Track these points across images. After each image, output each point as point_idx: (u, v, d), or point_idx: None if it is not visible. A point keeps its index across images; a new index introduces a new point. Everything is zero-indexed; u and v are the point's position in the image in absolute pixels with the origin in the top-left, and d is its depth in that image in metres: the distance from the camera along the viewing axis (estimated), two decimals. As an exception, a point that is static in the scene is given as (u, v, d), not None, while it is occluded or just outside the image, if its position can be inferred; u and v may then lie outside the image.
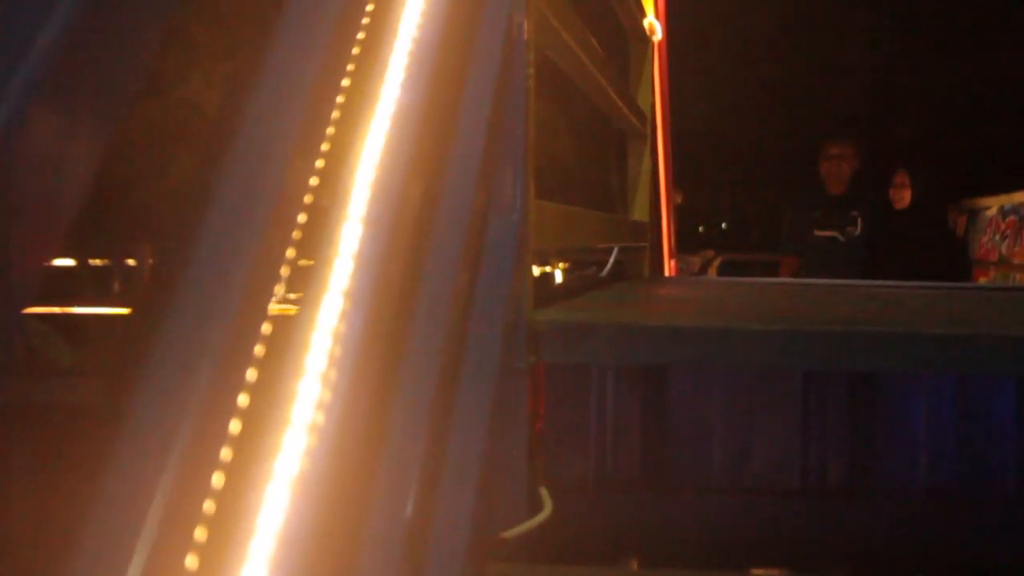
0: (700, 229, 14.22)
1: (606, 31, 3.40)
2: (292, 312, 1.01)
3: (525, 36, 1.63)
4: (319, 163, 1.00)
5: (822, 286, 2.91)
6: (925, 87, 11.64)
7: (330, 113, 1.03)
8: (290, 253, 0.93)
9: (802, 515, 1.68)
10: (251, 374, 0.86)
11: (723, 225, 14.20)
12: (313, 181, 0.99)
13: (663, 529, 1.70)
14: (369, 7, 1.12)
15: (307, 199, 0.98)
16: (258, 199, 0.88)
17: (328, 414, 0.97)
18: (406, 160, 1.15)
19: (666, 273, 3.83)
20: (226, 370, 0.84)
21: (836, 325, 1.64)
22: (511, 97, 1.60)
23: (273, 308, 0.94)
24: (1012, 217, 7.10)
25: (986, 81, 10.94)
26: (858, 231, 4.88)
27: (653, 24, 3.37)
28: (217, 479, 0.81)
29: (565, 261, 6.84)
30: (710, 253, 7.05)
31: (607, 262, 3.28)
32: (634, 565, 1.75)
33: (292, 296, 1.01)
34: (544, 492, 1.65)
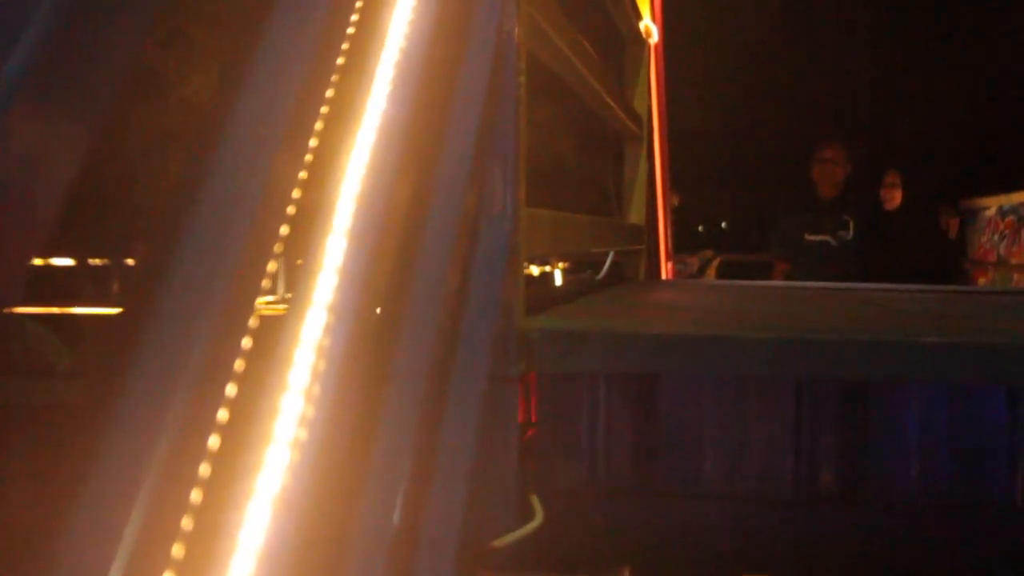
0: (700, 228, 14.20)
1: (602, 34, 3.40)
2: (279, 312, 1.01)
3: (516, 43, 1.62)
4: (302, 175, 0.99)
5: (817, 289, 2.90)
6: (924, 87, 11.63)
7: (313, 124, 1.02)
8: (272, 267, 0.93)
9: (794, 523, 1.68)
10: (231, 389, 0.85)
11: (723, 224, 14.19)
12: (296, 194, 0.98)
13: (655, 537, 1.69)
14: (354, 17, 1.12)
15: (290, 210, 0.98)
16: (237, 214, 0.88)
17: (312, 426, 0.97)
18: (391, 172, 1.14)
19: (663, 275, 3.83)
20: (210, 372, 0.84)
21: (829, 333, 1.64)
22: (501, 104, 1.60)
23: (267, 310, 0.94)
24: (1011, 217, 7.10)
25: (986, 81, 10.93)
26: (850, 235, 4.84)
27: (649, 27, 3.37)
28: (196, 495, 0.81)
29: (565, 261, 6.83)
30: (709, 253, 7.03)
31: (605, 262, 3.29)
32: (626, 574, 1.75)
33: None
34: (535, 500, 1.64)
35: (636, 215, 3.25)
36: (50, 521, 0.73)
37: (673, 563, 1.68)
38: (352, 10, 1.13)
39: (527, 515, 1.62)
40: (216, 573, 0.85)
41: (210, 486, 0.82)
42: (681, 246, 7.60)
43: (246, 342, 0.88)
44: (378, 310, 1.29)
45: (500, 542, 1.58)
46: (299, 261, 1.03)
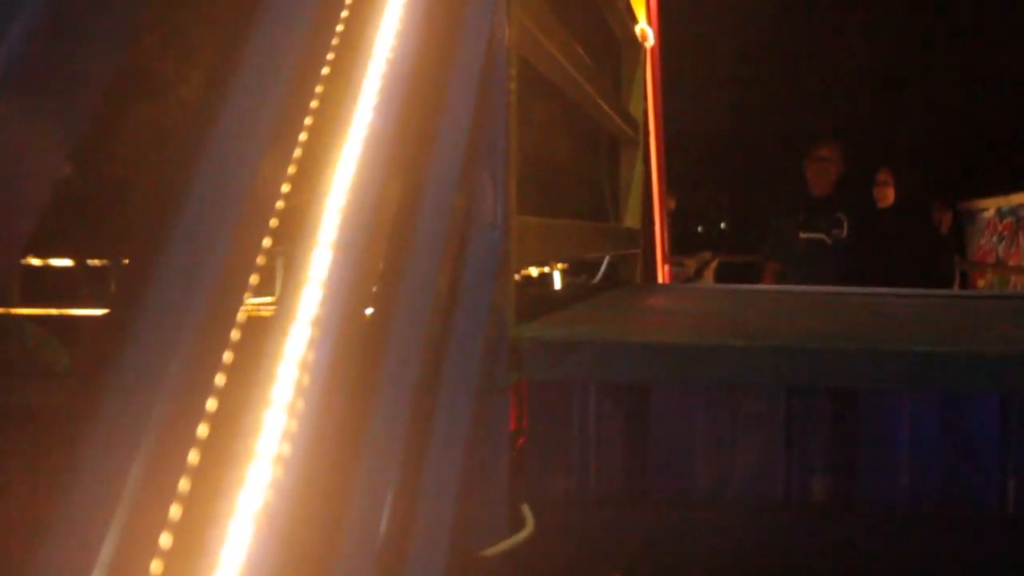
0: (699, 229, 14.22)
1: (598, 37, 3.39)
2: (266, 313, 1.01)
3: (507, 51, 1.62)
4: (285, 188, 0.99)
5: (812, 295, 2.90)
6: (924, 88, 11.63)
7: (297, 136, 1.02)
8: (254, 280, 0.93)
9: (785, 530, 1.68)
10: (213, 404, 0.85)
11: (722, 225, 14.20)
12: (279, 205, 0.98)
13: (646, 545, 1.69)
14: (339, 27, 1.11)
15: (274, 223, 0.97)
16: (220, 230, 0.88)
17: (297, 437, 0.97)
18: (378, 182, 1.14)
19: (659, 279, 3.83)
20: (192, 381, 0.83)
21: (819, 341, 1.64)
22: (492, 113, 1.60)
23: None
24: (1009, 219, 7.11)
25: (985, 82, 10.93)
26: (844, 233, 4.81)
27: (645, 30, 3.37)
28: (175, 511, 0.80)
29: (562, 264, 6.83)
30: (707, 255, 7.02)
31: (601, 265, 3.29)
32: (617, 582, 1.75)
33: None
34: (526, 509, 1.64)
35: (632, 219, 3.25)
36: (27, 533, 0.72)
37: (664, 571, 1.68)
38: (338, 20, 1.13)
39: (518, 524, 1.62)
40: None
41: (190, 502, 0.82)
42: (680, 247, 7.60)
43: (227, 356, 0.88)
44: (368, 314, 1.29)
45: (491, 551, 1.58)
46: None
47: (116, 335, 0.80)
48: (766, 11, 12.49)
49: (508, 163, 1.62)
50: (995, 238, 7.27)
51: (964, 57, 11.23)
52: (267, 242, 0.95)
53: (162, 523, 0.79)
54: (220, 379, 0.86)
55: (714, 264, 6.78)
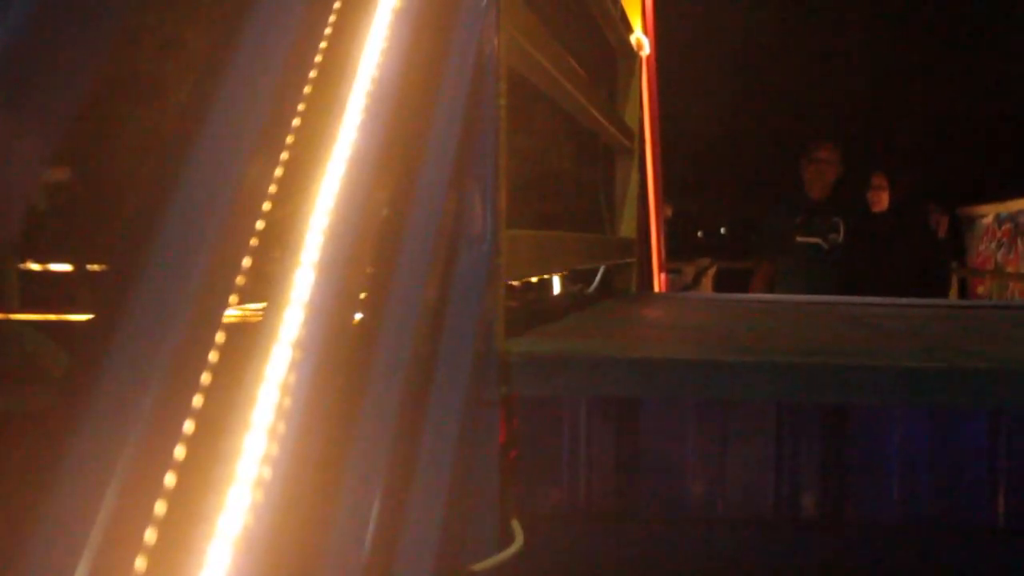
0: (699, 234, 14.21)
1: (593, 47, 3.39)
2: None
3: (496, 65, 1.62)
4: (266, 206, 0.99)
5: (805, 305, 2.90)
6: (924, 92, 11.62)
7: (279, 154, 1.01)
8: (233, 299, 0.93)
9: (775, 546, 1.67)
10: (193, 425, 0.85)
11: (722, 230, 14.18)
12: (259, 225, 0.97)
13: (637, 560, 1.68)
14: (322, 44, 1.11)
15: (254, 242, 0.97)
16: (199, 254, 0.87)
17: (282, 450, 0.96)
18: (361, 202, 1.14)
19: (655, 288, 3.83)
20: (179, 382, 0.83)
21: (811, 356, 1.63)
22: (481, 128, 1.59)
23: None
24: (1008, 225, 7.10)
25: (984, 87, 10.93)
26: (840, 238, 4.75)
27: (641, 39, 3.37)
28: (150, 534, 0.80)
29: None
30: (706, 261, 7.02)
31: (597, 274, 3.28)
32: (607, 597, 1.75)
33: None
34: (516, 524, 1.64)
35: (627, 228, 3.24)
36: (13, 532, 0.72)
37: (654, 586, 1.68)
38: (321, 37, 1.12)
39: (507, 539, 1.61)
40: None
41: (166, 526, 0.81)
42: (680, 253, 7.59)
43: (213, 356, 0.87)
44: (353, 331, 1.29)
45: (480, 566, 1.58)
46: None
47: (101, 338, 0.80)
48: (765, 14, 12.49)
49: (497, 177, 1.62)
50: (994, 244, 7.26)
51: (963, 60, 11.23)
52: (247, 262, 0.94)
53: (147, 519, 0.78)
54: (206, 378, 0.86)
55: (712, 270, 6.77)
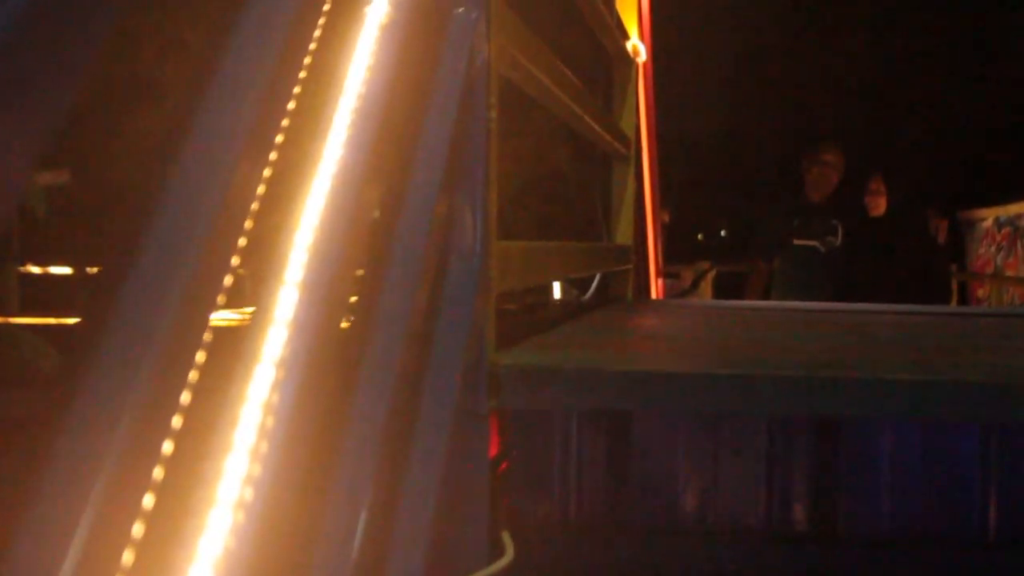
0: (699, 236, 14.21)
1: (588, 54, 3.39)
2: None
3: (486, 77, 1.61)
4: (248, 224, 0.99)
5: (799, 313, 2.89)
6: (924, 94, 11.62)
7: (262, 171, 1.01)
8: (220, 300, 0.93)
9: (767, 558, 1.67)
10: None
11: (722, 233, 14.18)
12: (242, 241, 0.97)
13: (627, 573, 1.68)
14: (307, 60, 1.11)
15: (234, 262, 0.97)
16: (191, 241, 0.88)
17: (266, 466, 0.96)
18: (347, 219, 1.14)
19: (652, 294, 3.83)
20: (168, 376, 0.83)
21: (802, 368, 1.63)
22: (471, 140, 1.59)
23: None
24: (1007, 229, 7.10)
25: (984, 89, 10.93)
26: (838, 241, 4.67)
27: (637, 46, 3.37)
28: (128, 556, 0.79)
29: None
30: (705, 265, 7.00)
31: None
32: (598, 610, 1.74)
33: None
34: (506, 537, 1.63)
35: (624, 235, 3.24)
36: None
37: (646, 599, 1.67)
38: (306, 52, 1.12)
39: (498, 551, 1.61)
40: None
41: (145, 547, 0.81)
42: (679, 255, 7.58)
43: (200, 356, 0.88)
44: (339, 348, 1.28)
45: (470, 579, 1.57)
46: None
47: (89, 339, 0.81)
48: (765, 16, 12.50)
49: (488, 189, 1.61)
50: (993, 248, 7.26)
51: (963, 63, 11.23)
52: (228, 280, 0.94)
53: (135, 514, 0.78)
54: (194, 376, 0.86)
55: (712, 274, 6.75)
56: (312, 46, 1.13)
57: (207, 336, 0.89)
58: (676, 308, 3.10)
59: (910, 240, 5.13)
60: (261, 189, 1.01)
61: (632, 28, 3.35)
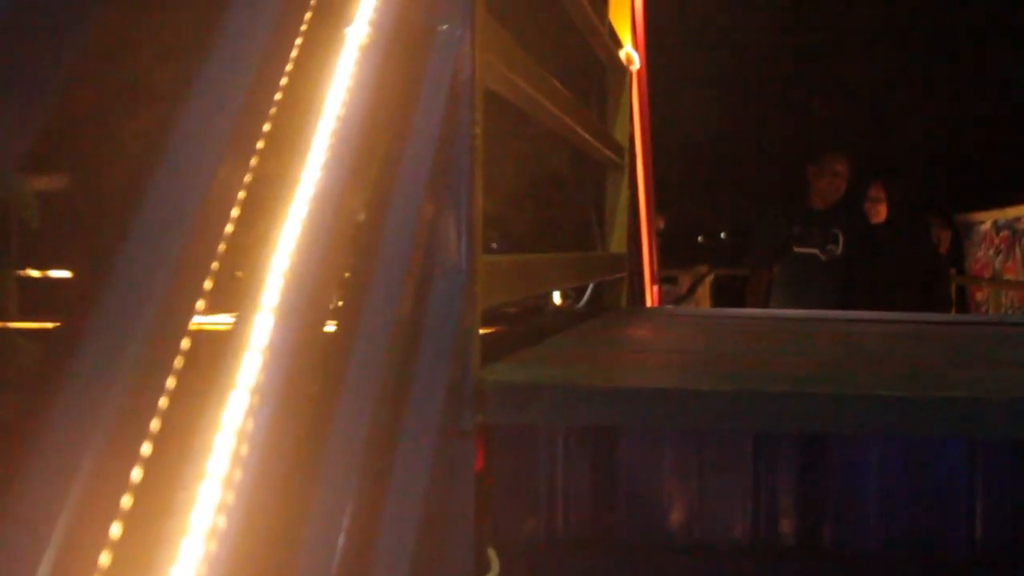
0: (699, 239, 14.21)
1: (582, 61, 3.39)
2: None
3: (471, 92, 1.61)
4: (221, 247, 0.99)
5: (794, 323, 2.89)
6: (923, 99, 11.62)
7: (236, 193, 1.01)
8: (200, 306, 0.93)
9: (753, 574, 1.67)
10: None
11: (722, 235, 14.18)
12: (214, 266, 0.97)
13: (614, 588, 1.68)
14: (283, 80, 1.10)
15: (208, 285, 0.97)
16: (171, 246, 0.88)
17: (243, 484, 0.96)
18: (325, 243, 1.14)
19: (648, 301, 3.82)
20: (145, 382, 0.83)
21: (788, 383, 1.63)
22: (456, 156, 1.59)
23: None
24: (1006, 232, 7.10)
25: (983, 92, 10.92)
26: (839, 250, 4.63)
27: (630, 54, 3.36)
28: (105, 558, 0.79)
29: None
30: (703, 269, 7.00)
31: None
32: (585, 626, 1.74)
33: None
34: (492, 553, 1.63)
35: (617, 243, 3.24)
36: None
37: (632, 615, 1.67)
38: (282, 74, 1.12)
39: (484, 567, 1.61)
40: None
41: (123, 548, 0.81)
42: (678, 259, 7.58)
43: (178, 362, 0.88)
44: (326, 354, 1.28)
45: (455, 596, 1.57)
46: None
47: (67, 343, 0.81)
48: (765, 18, 12.50)
49: (473, 205, 1.61)
50: (992, 251, 7.25)
51: (963, 66, 11.23)
52: (201, 304, 0.94)
53: (114, 514, 0.78)
54: (171, 382, 0.86)
55: (710, 278, 6.74)
56: (288, 67, 1.13)
57: (186, 342, 0.89)
58: (668, 317, 3.10)
59: (911, 248, 5.06)
60: (236, 212, 1.00)
61: (626, 36, 3.35)
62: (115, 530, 0.80)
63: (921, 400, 1.53)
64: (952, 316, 3.19)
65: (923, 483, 1.64)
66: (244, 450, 0.97)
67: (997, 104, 10.57)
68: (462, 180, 1.61)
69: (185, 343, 0.89)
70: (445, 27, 1.59)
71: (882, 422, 1.53)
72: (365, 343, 1.36)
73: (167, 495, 0.92)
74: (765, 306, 4.62)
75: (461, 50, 1.60)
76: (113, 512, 0.80)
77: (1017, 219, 6.92)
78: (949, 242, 6.25)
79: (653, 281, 3.94)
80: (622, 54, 3.31)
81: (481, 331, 1.67)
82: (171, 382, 0.87)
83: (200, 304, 0.93)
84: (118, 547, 0.80)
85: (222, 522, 0.93)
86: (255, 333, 1.02)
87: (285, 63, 1.12)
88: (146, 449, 0.83)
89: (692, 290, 6.21)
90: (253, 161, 1.03)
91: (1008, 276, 6.93)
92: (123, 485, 0.82)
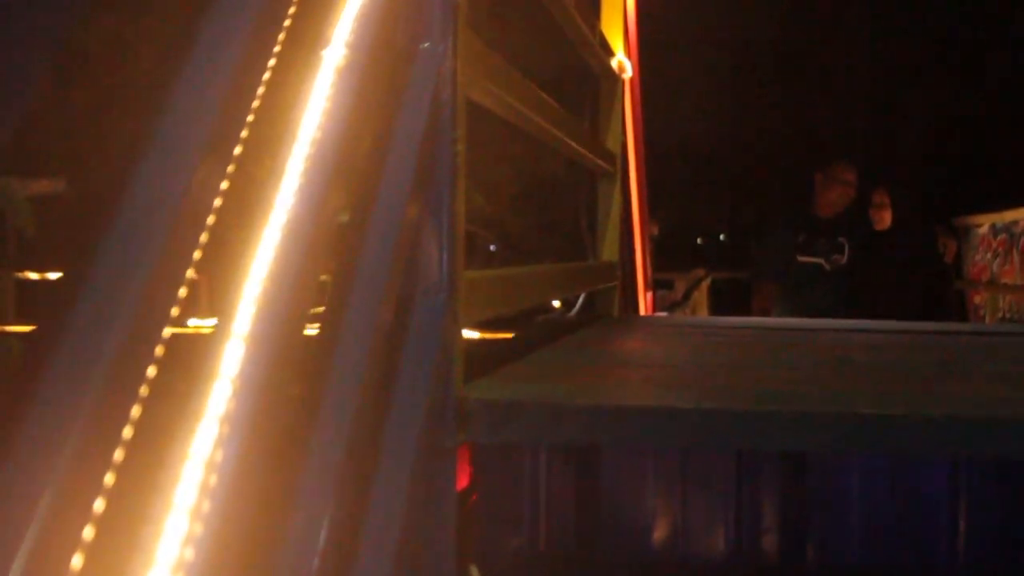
0: (699, 241, 14.21)
1: (574, 69, 3.39)
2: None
3: (453, 111, 1.61)
4: (189, 273, 0.99)
5: (785, 333, 2.89)
6: (923, 102, 11.61)
7: (205, 218, 1.00)
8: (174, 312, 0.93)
9: (736, 591, 1.67)
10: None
11: (721, 237, 14.18)
12: (181, 293, 0.97)
13: (597, 605, 1.68)
14: (255, 103, 1.10)
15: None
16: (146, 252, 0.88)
17: (217, 506, 0.96)
18: (298, 270, 1.14)
19: (641, 308, 3.82)
20: (119, 388, 0.83)
21: (770, 401, 1.63)
22: (437, 175, 1.59)
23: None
24: (1003, 236, 7.09)
25: (983, 95, 10.91)
26: (844, 259, 4.56)
27: (623, 62, 3.36)
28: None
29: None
30: (701, 273, 6.98)
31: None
32: (567, 642, 1.74)
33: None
34: (474, 569, 1.64)
35: (609, 252, 3.24)
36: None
37: (615, 631, 1.67)
38: (254, 96, 1.12)
39: (466, 584, 1.61)
40: None
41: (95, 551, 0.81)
42: (677, 261, 7.56)
43: (152, 371, 0.88)
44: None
45: (438, 613, 1.57)
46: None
47: (43, 345, 0.81)
48: (766, 20, 12.49)
49: (454, 223, 1.61)
50: (989, 255, 7.25)
51: (962, 68, 11.22)
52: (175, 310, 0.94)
53: (87, 517, 0.79)
54: (144, 391, 0.86)
55: (706, 283, 6.72)
56: (261, 90, 1.13)
57: (160, 350, 0.90)
58: (658, 327, 3.09)
59: (917, 256, 4.95)
60: (200, 253, 1.00)
61: (618, 45, 3.35)
62: (88, 533, 0.80)
63: (899, 419, 1.53)
64: (944, 325, 3.18)
65: (905, 500, 1.65)
66: (214, 480, 0.97)
67: (996, 106, 10.56)
68: (443, 198, 1.61)
69: (159, 350, 0.89)
70: (427, 45, 1.59)
71: (860, 441, 1.54)
72: (345, 362, 1.37)
73: (141, 502, 0.92)
74: (768, 316, 4.54)
75: (443, 67, 1.60)
76: (87, 515, 0.81)
77: (1014, 222, 6.92)
78: (955, 252, 6.16)
79: (647, 288, 3.95)
80: (614, 62, 3.31)
81: (468, 337, 1.67)
82: (144, 390, 0.87)
83: (175, 311, 0.93)
84: (91, 550, 0.80)
85: (199, 529, 0.93)
86: (226, 361, 1.02)
87: (259, 84, 1.12)
88: (119, 455, 0.83)
89: (688, 295, 6.18)
90: (224, 186, 1.03)
91: (1006, 280, 6.92)
92: (96, 489, 0.82)
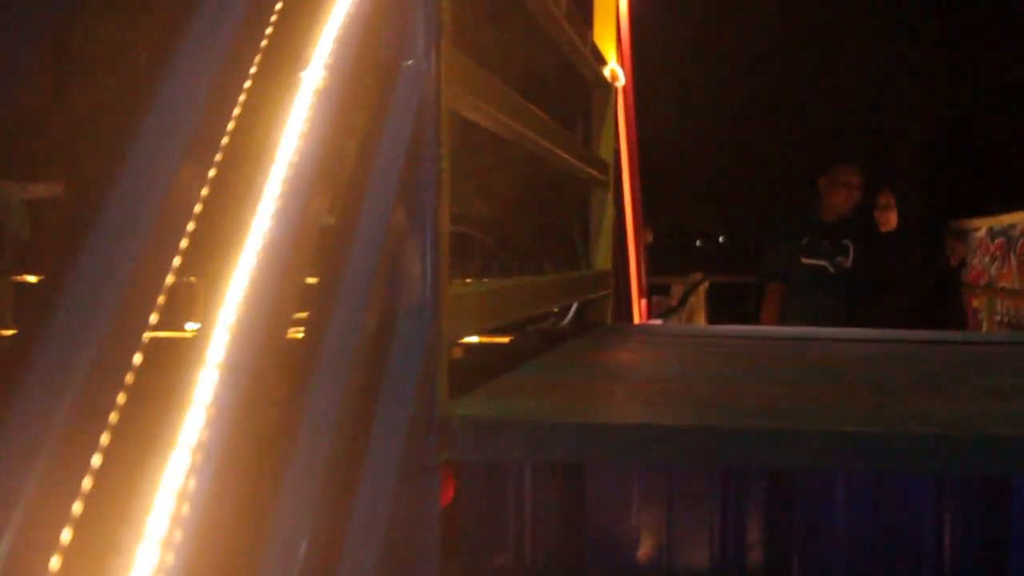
0: (698, 243, 14.21)
1: (565, 80, 3.39)
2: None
3: (435, 127, 1.61)
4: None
5: (777, 343, 2.89)
6: (923, 104, 11.61)
7: (176, 246, 1.00)
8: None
9: (722, 608, 1.67)
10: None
11: (720, 239, 14.18)
12: (153, 318, 0.97)
13: (582, 622, 1.68)
14: (230, 125, 1.10)
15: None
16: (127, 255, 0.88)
17: (192, 520, 0.96)
18: (273, 295, 1.13)
19: (635, 317, 3.82)
20: (97, 394, 0.83)
21: (755, 417, 1.62)
22: (420, 193, 1.59)
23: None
24: (1001, 239, 7.08)
25: (982, 98, 10.91)
26: (848, 262, 4.51)
27: (615, 71, 3.36)
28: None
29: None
30: (698, 276, 6.98)
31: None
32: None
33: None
34: (459, 588, 1.63)
35: (602, 260, 3.24)
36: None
37: (600, 648, 1.67)
38: (230, 117, 1.11)
39: (451, 603, 1.60)
40: None
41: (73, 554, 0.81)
42: (676, 263, 7.55)
43: (129, 378, 0.88)
44: (282, 400, 1.28)
45: (422, 632, 1.57)
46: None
47: (22, 348, 0.81)
48: (766, 22, 12.50)
49: (438, 240, 1.61)
50: (987, 259, 7.24)
51: (961, 72, 11.22)
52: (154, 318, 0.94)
53: (65, 519, 0.78)
54: (122, 398, 0.86)
55: (704, 287, 6.71)
56: (236, 111, 1.12)
57: (138, 357, 0.89)
58: (650, 337, 3.09)
59: (922, 259, 4.89)
60: (178, 262, 1.00)
61: (610, 53, 3.35)
62: (65, 535, 0.80)
63: (883, 436, 1.52)
64: (938, 334, 3.17)
65: (891, 516, 1.64)
66: (192, 484, 0.97)
67: (994, 110, 10.56)
68: (427, 215, 1.61)
69: (138, 358, 0.89)
70: (410, 63, 1.59)
71: (844, 458, 1.53)
72: (327, 380, 1.36)
73: (120, 504, 0.92)
74: (779, 321, 4.51)
75: (426, 84, 1.60)
76: (64, 518, 0.80)
77: (1012, 226, 6.91)
78: (961, 256, 6.08)
79: (642, 295, 3.94)
80: (607, 71, 3.31)
81: (455, 346, 1.66)
82: (121, 398, 0.87)
83: (154, 318, 0.93)
84: (69, 553, 0.80)
85: (178, 535, 0.93)
86: (200, 389, 1.02)
87: (235, 105, 1.12)
88: (96, 460, 0.83)
89: (684, 300, 6.15)
90: (197, 209, 1.03)
91: (1003, 284, 6.92)
92: (74, 492, 0.82)
